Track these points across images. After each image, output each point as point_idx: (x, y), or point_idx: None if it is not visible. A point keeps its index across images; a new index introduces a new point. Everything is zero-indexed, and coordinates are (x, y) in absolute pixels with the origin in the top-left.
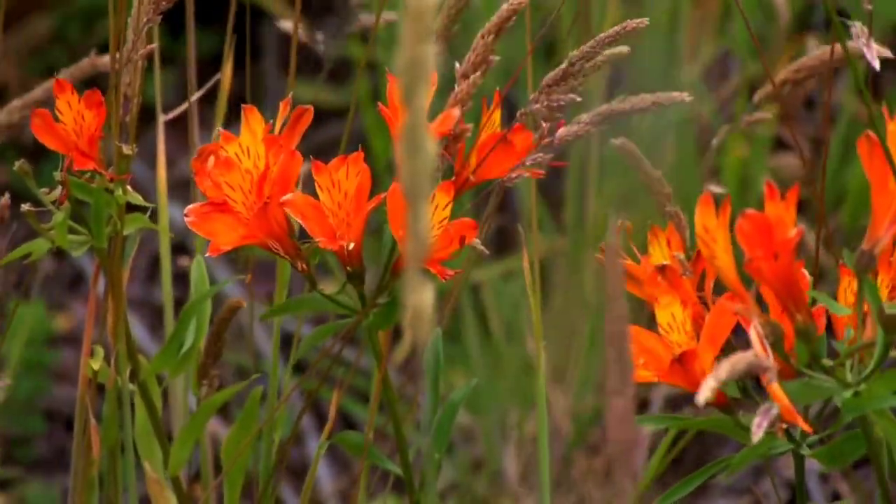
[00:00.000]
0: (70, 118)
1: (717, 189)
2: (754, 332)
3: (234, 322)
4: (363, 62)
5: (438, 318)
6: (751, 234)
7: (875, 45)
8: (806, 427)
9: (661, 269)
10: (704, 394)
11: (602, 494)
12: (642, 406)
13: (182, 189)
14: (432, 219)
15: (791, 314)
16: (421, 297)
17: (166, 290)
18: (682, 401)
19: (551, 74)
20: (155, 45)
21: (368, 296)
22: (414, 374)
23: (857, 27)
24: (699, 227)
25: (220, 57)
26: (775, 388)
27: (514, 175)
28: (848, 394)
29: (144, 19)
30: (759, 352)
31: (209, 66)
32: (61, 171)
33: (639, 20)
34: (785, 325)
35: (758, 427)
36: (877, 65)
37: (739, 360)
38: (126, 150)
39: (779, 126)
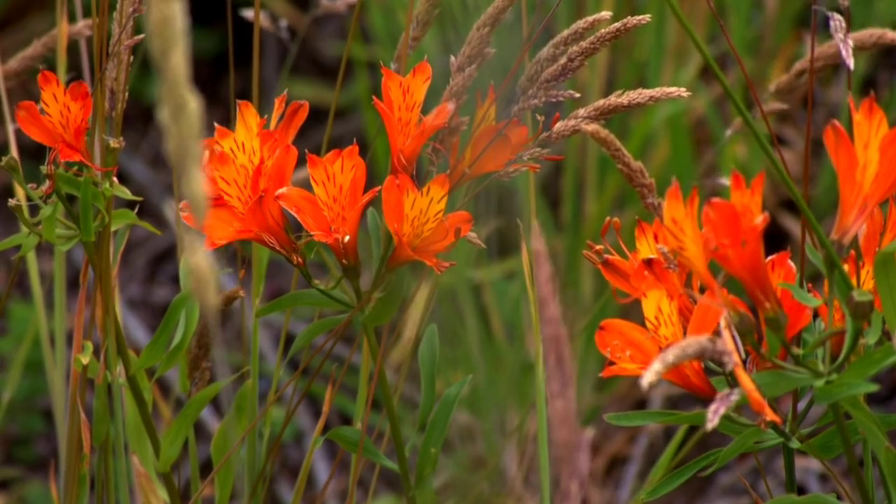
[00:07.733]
0: (56, 110)
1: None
2: (723, 322)
3: (234, 321)
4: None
5: (438, 316)
6: (717, 222)
7: (888, 32)
8: (773, 416)
9: (648, 263)
10: (648, 378)
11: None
12: (641, 405)
13: None
14: (427, 212)
15: (760, 303)
16: (198, 259)
17: None
18: (681, 400)
19: (550, 69)
20: (140, 37)
21: (364, 291)
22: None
23: (836, 20)
24: (667, 219)
25: (221, 57)
26: (740, 373)
27: (510, 169)
28: (820, 382)
29: (130, 10)
30: (713, 336)
31: (209, 66)
32: (47, 164)
33: (640, 17)
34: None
35: (714, 413)
36: (851, 63)
37: (690, 343)
38: (113, 143)
39: (777, 124)
